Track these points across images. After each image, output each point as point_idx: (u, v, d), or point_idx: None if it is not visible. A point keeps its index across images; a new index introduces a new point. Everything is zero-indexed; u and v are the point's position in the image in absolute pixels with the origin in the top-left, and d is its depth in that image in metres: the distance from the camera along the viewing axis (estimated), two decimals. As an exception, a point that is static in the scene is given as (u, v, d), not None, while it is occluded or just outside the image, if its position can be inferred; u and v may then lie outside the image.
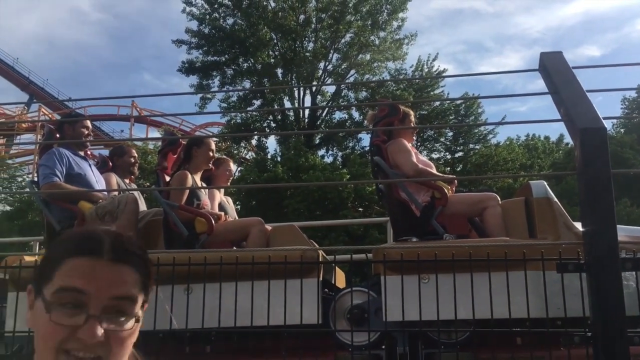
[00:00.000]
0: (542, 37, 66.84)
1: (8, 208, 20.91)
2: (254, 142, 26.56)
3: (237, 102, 25.40)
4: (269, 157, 23.99)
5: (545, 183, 3.75)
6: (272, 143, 26.66)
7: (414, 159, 3.91)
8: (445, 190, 3.81)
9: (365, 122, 4.72)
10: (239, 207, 22.06)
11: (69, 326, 0.88)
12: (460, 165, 25.41)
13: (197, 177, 4.19)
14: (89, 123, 4.35)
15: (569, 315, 3.19)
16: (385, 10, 25.80)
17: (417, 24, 60.77)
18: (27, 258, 3.52)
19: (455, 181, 4.28)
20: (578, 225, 3.69)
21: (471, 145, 25.78)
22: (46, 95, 31.12)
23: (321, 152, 25.13)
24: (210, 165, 4.28)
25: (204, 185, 4.31)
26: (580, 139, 2.12)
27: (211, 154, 4.23)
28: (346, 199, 19.91)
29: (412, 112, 4.20)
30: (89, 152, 4.42)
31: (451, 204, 3.79)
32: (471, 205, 3.86)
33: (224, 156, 5.03)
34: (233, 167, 5.02)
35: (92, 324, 0.88)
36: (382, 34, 25.83)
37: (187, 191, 3.96)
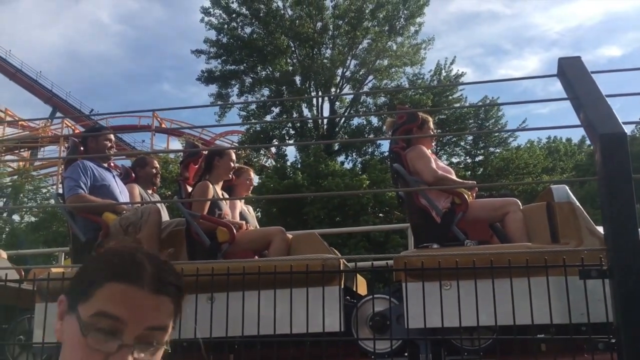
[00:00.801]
0: (561, 38, 66.16)
1: (33, 219, 21.25)
2: (273, 149, 26.69)
3: (256, 110, 25.57)
4: (288, 164, 24.07)
5: (567, 187, 3.73)
6: (291, 150, 26.73)
7: (434, 165, 3.92)
8: (466, 196, 3.80)
9: (384, 129, 4.73)
10: (259, 214, 22.16)
11: (103, 352, 0.89)
12: (481, 169, 25.23)
13: (218, 187, 4.25)
14: (111, 136, 4.43)
15: (592, 321, 3.16)
16: (403, 16, 25.81)
17: (434, 28, 60.41)
18: (54, 270, 3.59)
19: (476, 187, 4.27)
20: (602, 230, 3.65)
21: (492, 149, 25.58)
22: (69, 108, 31.65)
23: (341, 158, 25.16)
24: (231, 175, 4.33)
25: (225, 194, 4.35)
26: (600, 145, 2.11)
27: (232, 164, 4.28)
28: (366, 205, 19.90)
29: (430, 119, 4.21)
30: (112, 164, 4.50)
31: (472, 209, 3.78)
32: (492, 211, 3.85)
33: (245, 165, 5.07)
34: (253, 176, 5.06)
35: (124, 353, 0.89)
36: (399, 39, 25.87)
37: (209, 201, 4.01)
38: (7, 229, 22.29)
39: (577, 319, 3.31)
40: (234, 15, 25.78)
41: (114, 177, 4.32)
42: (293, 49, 25.87)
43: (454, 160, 26.13)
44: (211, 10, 25.69)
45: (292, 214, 20.49)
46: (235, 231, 3.95)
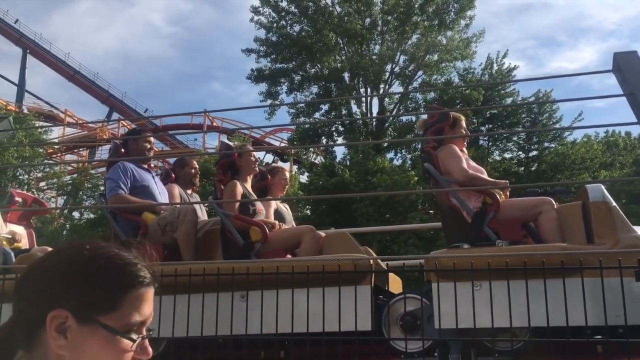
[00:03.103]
0: (619, 28, 63.49)
1: (92, 216, 22.06)
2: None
3: (305, 107, 25.73)
4: (337, 161, 24.12)
5: (603, 186, 3.63)
6: (340, 147, 26.80)
7: (464, 165, 3.88)
8: (497, 196, 3.75)
9: (417, 128, 4.71)
10: (309, 212, 22.30)
11: (135, 350, 1.00)
12: (535, 165, 24.56)
13: (248, 185, 4.35)
14: (151, 138, 4.59)
15: (629, 323, 3.08)
16: (452, 9, 25.38)
17: (484, 21, 59.03)
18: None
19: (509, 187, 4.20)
20: (639, 230, 3.54)
21: (546, 144, 24.83)
22: (125, 108, 32.73)
23: (390, 155, 25.01)
24: (255, 168, 4.43)
25: (252, 191, 4.44)
26: None
27: (253, 159, 4.39)
28: (416, 201, 19.72)
29: (463, 118, 4.17)
30: (152, 165, 4.65)
31: (503, 209, 3.73)
32: (525, 210, 3.78)
33: (280, 165, 5.16)
34: (288, 175, 5.14)
35: (145, 343, 1.02)
36: (449, 33, 25.42)
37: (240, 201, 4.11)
38: (67, 226, 23.24)
39: (613, 321, 3.23)
40: (282, 14, 25.97)
41: (153, 177, 4.47)
42: (341, 45, 25.86)
43: (507, 155, 25.55)
44: (260, 9, 25.97)
45: (341, 211, 20.51)
46: (267, 230, 4.03)
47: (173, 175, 4.98)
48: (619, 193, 21.72)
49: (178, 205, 4.39)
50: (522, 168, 24.69)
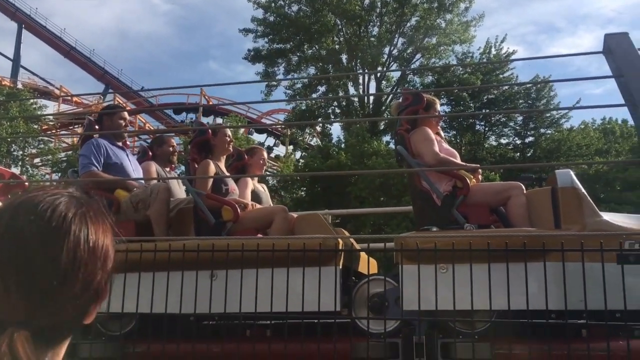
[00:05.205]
0: (618, 16, 63.10)
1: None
2: (318, 128, 26.74)
3: (302, 89, 25.62)
4: (332, 143, 24.08)
5: (572, 172, 3.63)
6: (336, 129, 26.81)
7: (436, 148, 3.87)
8: (468, 180, 3.75)
9: (391, 111, 4.70)
10: (303, 193, 22.33)
11: None
12: (531, 151, 24.56)
13: (221, 164, 4.34)
14: (126, 114, 4.57)
15: (590, 307, 3.10)
16: (452, -9, 25.19)
17: (483, 6, 58.45)
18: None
19: (480, 170, 4.20)
20: (605, 216, 3.56)
21: (542, 130, 24.82)
22: (121, 85, 32.55)
23: (386, 137, 24.96)
24: (230, 148, 4.42)
25: (226, 171, 4.44)
26: None
27: (228, 138, 4.38)
28: (407, 185, 19.69)
29: (437, 101, 4.15)
30: (127, 143, 4.65)
31: (473, 193, 3.73)
32: (494, 195, 3.78)
33: (258, 145, 5.16)
34: (266, 155, 5.14)
35: None
36: (448, 16, 25.26)
37: (212, 179, 4.11)
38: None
39: (574, 305, 3.25)
40: (281, -7, 25.78)
41: (127, 155, 4.46)
42: (340, 27, 25.69)
43: (503, 141, 25.54)
44: (258, -12, 25.76)
45: (336, 194, 20.55)
46: (239, 210, 4.04)
47: (150, 153, 4.98)
48: (614, 180, 21.74)
49: (151, 183, 4.39)
50: (518, 154, 24.69)
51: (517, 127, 25.01)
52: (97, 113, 4.29)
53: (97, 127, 4.42)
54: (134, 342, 3.58)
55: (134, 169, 4.43)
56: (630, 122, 26.14)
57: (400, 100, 4.22)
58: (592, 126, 26.36)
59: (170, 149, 5.08)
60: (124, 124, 4.44)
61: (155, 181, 4.57)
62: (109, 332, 3.73)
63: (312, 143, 26.88)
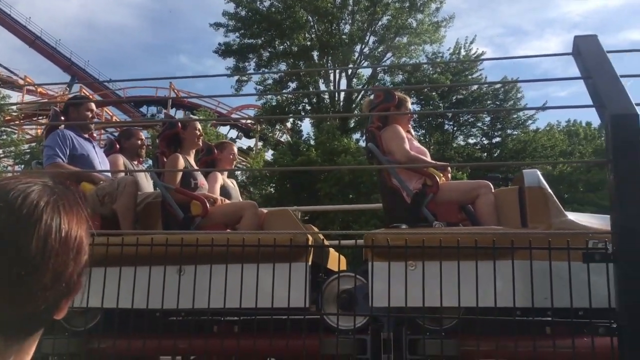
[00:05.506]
0: (584, 20, 64.70)
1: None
2: (289, 124, 26.67)
3: (273, 84, 25.51)
4: (302, 140, 24.07)
5: (539, 172, 3.69)
6: (306, 126, 26.80)
7: (407, 146, 3.89)
8: (437, 178, 3.78)
9: (362, 108, 4.71)
10: (272, 190, 22.27)
11: None
12: (498, 151, 24.95)
13: (191, 159, 4.29)
14: (93, 106, 4.48)
15: (555, 305, 3.15)
16: (424, -8, 25.39)
17: (454, 7, 58.98)
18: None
19: (449, 168, 4.24)
20: (570, 215, 3.63)
21: (509, 131, 25.26)
22: (87, 77, 31.88)
23: (356, 135, 25.06)
24: (199, 143, 4.37)
25: (195, 166, 4.39)
26: (610, 126, 2.06)
27: (198, 132, 4.32)
28: (377, 183, 19.81)
29: (408, 99, 4.17)
30: (94, 135, 4.55)
31: (442, 191, 3.76)
32: (463, 193, 3.82)
33: (228, 140, 5.10)
34: (236, 150, 5.09)
35: None
36: (419, 16, 25.44)
37: (181, 173, 4.05)
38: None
39: (540, 303, 3.31)
40: (253, -12, 25.60)
41: (94, 147, 4.37)
42: (312, 23, 25.64)
43: (471, 141, 25.90)
44: (230, -18, 25.53)
45: (306, 190, 20.58)
46: (209, 205, 3.99)
47: (118, 146, 4.88)
48: (577, 182, 22.24)
49: (119, 176, 4.31)
50: (485, 154, 25.06)
51: (485, 128, 25.42)
52: (63, 103, 4.17)
53: (62, 118, 4.31)
54: (99, 337, 3.51)
55: (101, 162, 4.35)
56: (594, 124, 26.83)
57: (372, 97, 4.22)
58: (557, 128, 26.93)
59: (139, 142, 4.99)
60: (90, 115, 4.35)
61: (122, 174, 4.48)
62: (72, 328, 3.65)
63: (282, 139, 26.78)
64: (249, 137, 26.78)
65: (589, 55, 2.47)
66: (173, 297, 3.46)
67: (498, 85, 23.99)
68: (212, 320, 3.63)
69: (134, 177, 4.28)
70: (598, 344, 2.71)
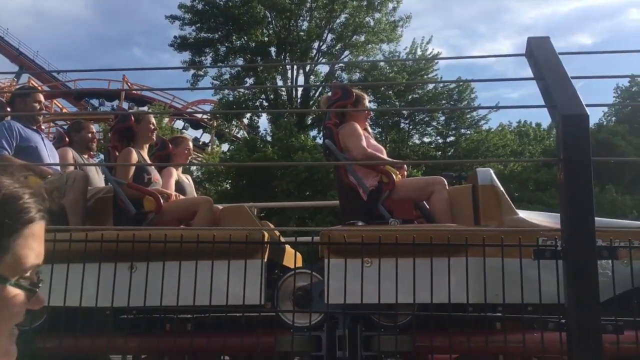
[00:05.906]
0: (535, 24, 66.59)
1: None
2: (246, 120, 26.47)
3: (230, 80, 25.27)
4: (259, 136, 23.94)
5: (492, 171, 3.75)
6: (263, 122, 26.65)
7: (364, 143, 3.89)
8: (394, 175, 3.80)
9: (320, 105, 4.70)
10: (228, 186, 22.07)
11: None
12: (452, 150, 25.42)
13: (144, 153, 4.19)
14: (41, 97, 4.32)
15: (507, 302, 3.21)
16: (381, -9, 25.59)
17: (410, 7, 59.73)
18: None
19: (405, 166, 4.27)
20: (521, 213, 3.70)
21: (463, 130, 25.78)
22: (36, 67, 30.88)
23: (313, 132, 25.08)
24: (153, 137, 4.28)
25: (149, 160, 4.30)
26: (561, 125, 2.09)
27: (152, 126, 4.23)
28: (334, 180, 19.90)
29: (366, 96, 4.18)
30: (42, 127, 4.39)
31: (398, 188, 3.78)
32: (418, 190, 3.85)
33: (184, 135, 5.01)
34: (192, 145, 5.00)
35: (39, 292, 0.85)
36: (377, 15, 25.64)
37: (134, 168, 3.95)
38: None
39: (492, 299, 3.36)
40: (210, -19, 25.26)
41: (42, 139, 4.22)
42: (269, 19, 25.49)
43: (426, 139, 26.31)
44: (187, -25, 25.13)
45: (262, 187, 20.46)
46: (162, 201, 3.91)
47: (67, 139, 4.73)
48: (527, 180, 22.82)
49: (68, 170, 4.17)
50: (440, 152, 25.49)
51: (440, 127, 25.83)
52: (8, 93, 4.01)
53: (9, 109, 4.14)
54: (45, 337, 3.39)
55: (50, 155, 4.20)
56: (544, 125, 27.64)
57: (330, 94, 4.21)
58: (509, 128, 27.61)
59: (89, 135, 4.85)
60: (38, 107, 4.19)
61: (72, 168, 4.34)
62: (17, 327, 3.51)
63: (238, 135, 26.57)
64: (195, 128, 26.39)
65: (541, 57, 2.52)
66: (124, 294, 3.38)
67: (452, 85, 24.42)
68: (164, 318, 3.55)
69: (84, 171, 4.14)
70: (547, 339, 2.77)
